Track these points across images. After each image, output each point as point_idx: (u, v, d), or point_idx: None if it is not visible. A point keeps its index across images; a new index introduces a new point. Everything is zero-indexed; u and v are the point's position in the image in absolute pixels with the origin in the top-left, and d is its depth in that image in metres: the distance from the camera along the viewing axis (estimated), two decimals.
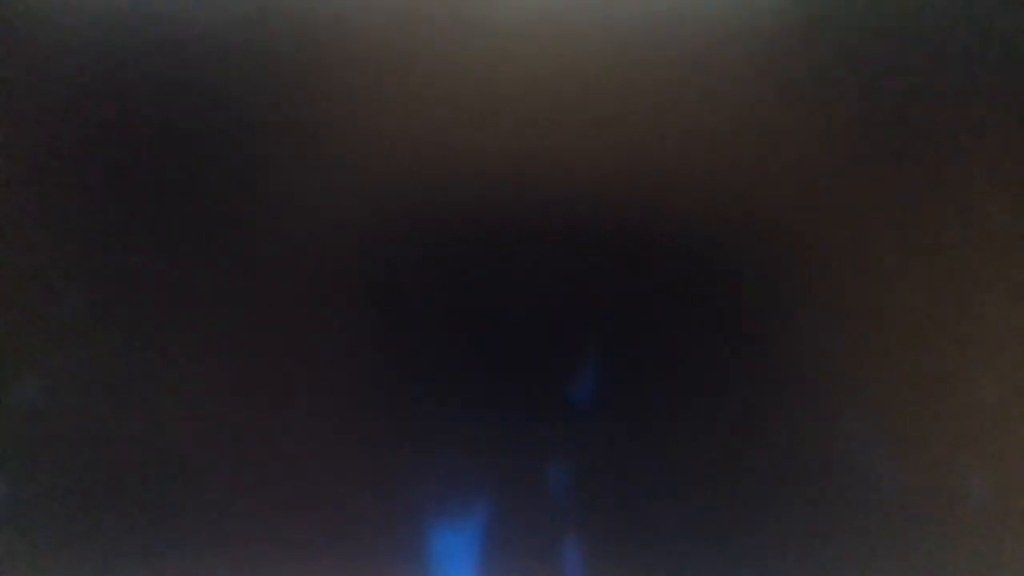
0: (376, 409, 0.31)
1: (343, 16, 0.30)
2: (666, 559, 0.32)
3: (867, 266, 0.31)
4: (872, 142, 0.31)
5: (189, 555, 0.32)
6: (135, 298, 0.31)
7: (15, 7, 0.30)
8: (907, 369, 0.31)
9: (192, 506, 0.32)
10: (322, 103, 0.31)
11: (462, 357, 0.31)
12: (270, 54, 0.30)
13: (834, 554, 0.32)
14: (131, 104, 0.31)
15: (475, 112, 0.30)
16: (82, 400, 0.32)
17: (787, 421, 0.31)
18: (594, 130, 0.31)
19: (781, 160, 0.31)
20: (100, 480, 0.32)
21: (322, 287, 0.31)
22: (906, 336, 0.31)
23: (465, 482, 0.31)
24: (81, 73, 0.31)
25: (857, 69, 0.30)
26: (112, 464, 0.32)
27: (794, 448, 0.32)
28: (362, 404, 0.31)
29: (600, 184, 0.31)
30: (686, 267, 0.31)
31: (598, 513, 0.32)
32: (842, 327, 0.31)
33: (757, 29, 0.30)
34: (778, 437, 0.31)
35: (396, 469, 0.31)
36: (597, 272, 0.31)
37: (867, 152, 0.31)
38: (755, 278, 0.31)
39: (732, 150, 0.31)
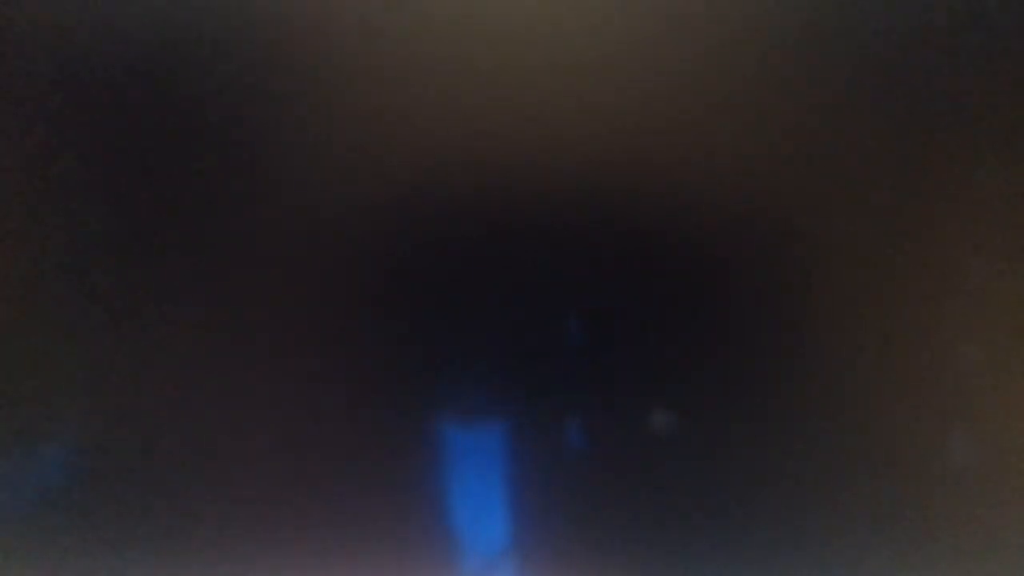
0: (394, 351, 0.32)
1: (343, 12, 0.31)
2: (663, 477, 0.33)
3: (855, 244, 0.31)
4: (866, 133, 0.31)
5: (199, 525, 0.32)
6: (134, 293, 0.32)
7: (15, 7, 0.31)
8: (894, 344, 0.32)
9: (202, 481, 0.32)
10: (320, 94, 0.31)
11: (475, 304, 0.32)
12: (270, 52, 0.31)
13: (817, 529, 0.33)
14: (131, 102, 0.31)
15: (478, 94, 0.31)
16: (81, 394, 0.32)
17: (766, 386, 0.32)
18: (596, 114, 0.31)
19: (778, 150, 0.31)
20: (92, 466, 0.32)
21: (344, 242, 0.32)
22: (894, 313, 0.32)
23: (479, 417, 0.33)
24: (80, 68, 0.31)
25: (858, 66, 0.31)
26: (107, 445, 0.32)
27: (769, 411, 0.32)
28: (380, 346, 0.32)
29: (595, 165, 0.31)
30: (682, 215, 0.32)
31: (609, 449, 0.32)
32: (830, 303, 0.32)
33: (757, 27, 0.31)
34: (758, 402, 0.32)
35: (411, 405, 0.32)
36: (604, 219, 0.31)
37: (857, 140, 0.31)
38: (739, 251, 0.32)
39: (730, 135, 0.31)
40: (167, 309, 0.32)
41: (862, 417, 0.32)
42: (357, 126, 0.31)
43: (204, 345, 0.32)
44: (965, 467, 0.32)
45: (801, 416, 0.32)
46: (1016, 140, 0.31)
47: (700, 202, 0.31)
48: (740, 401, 0.32)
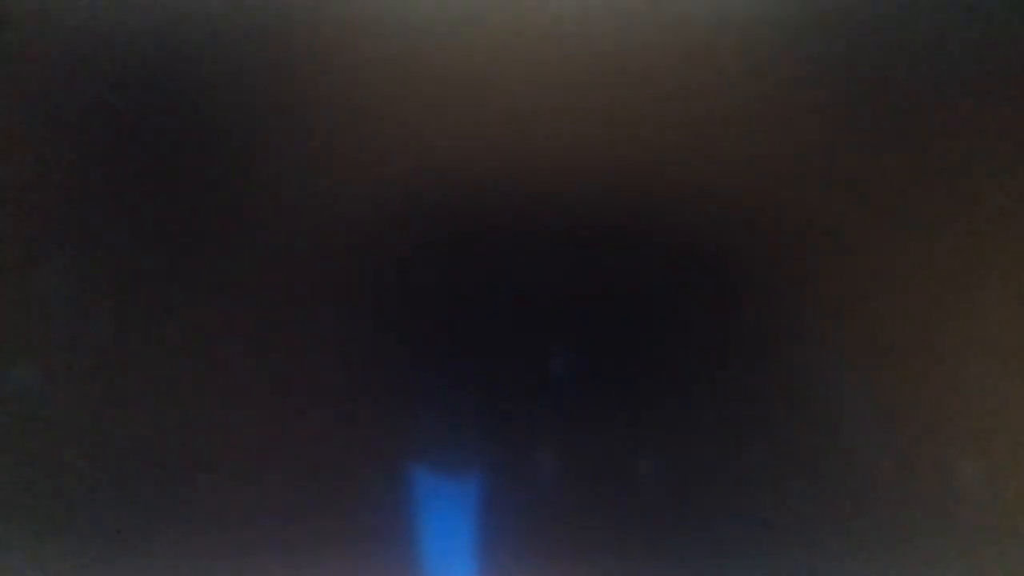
0: (369, 387, 0.32)
1: (343, 12, 0.31)
2: (641, 530, 0.32)
3: (861, 258, 0.31)
4: (865, 136, 0.31)
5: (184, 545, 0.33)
6: (132, 293, 0.32)
7: (16, 7, 0.31)
8: (901, 358, 0.32)
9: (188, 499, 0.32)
10: (321, 97, 0.31)
11: (452, 338, 0.32)
12: (271, 52, 0.31)
13: (828, 542, 0.32)
14: (131, 102, 0.31)
15: (475, 105, 0.31)
16: (79, 392, 0.32)
17: (772, 396, 0.32)
18: (590, 125, 0.31)
19: (777, 156, 0.31)
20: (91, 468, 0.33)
21: (320, 274, 0.31)
22: (901, 326, 0.31)
23: (454, 455, 0.32)
24: (81, 70, 0.31)
25: (857, 66, 0.31)
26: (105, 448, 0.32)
27: (773, 426, 0.32)
28: (355, 382, 0.32)
29: (585, 176, 0.31)
30: (664, 250, 0.31)
31: (584, 489, 0.32)
32: (836, 317, 0.31)
33: (756, 27, 0.30)
34: (760, 413, 0.32)
35: (386, 442, 0.32)
36: (581, 257, 0.31)
37: (857, 144, 0.31)
38: (745, 266, 0.31)
39: (725, 144, 0.31)
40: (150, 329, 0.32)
41: (860, 441, 0.32)
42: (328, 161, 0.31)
43: (184, 370, 0.32)
44: (968, 494, 0.32)
45: (794, 454, 0.32)
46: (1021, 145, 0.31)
47: (685, 240, 0.31)
48: (725, 444, 0.32)
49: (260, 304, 0.32)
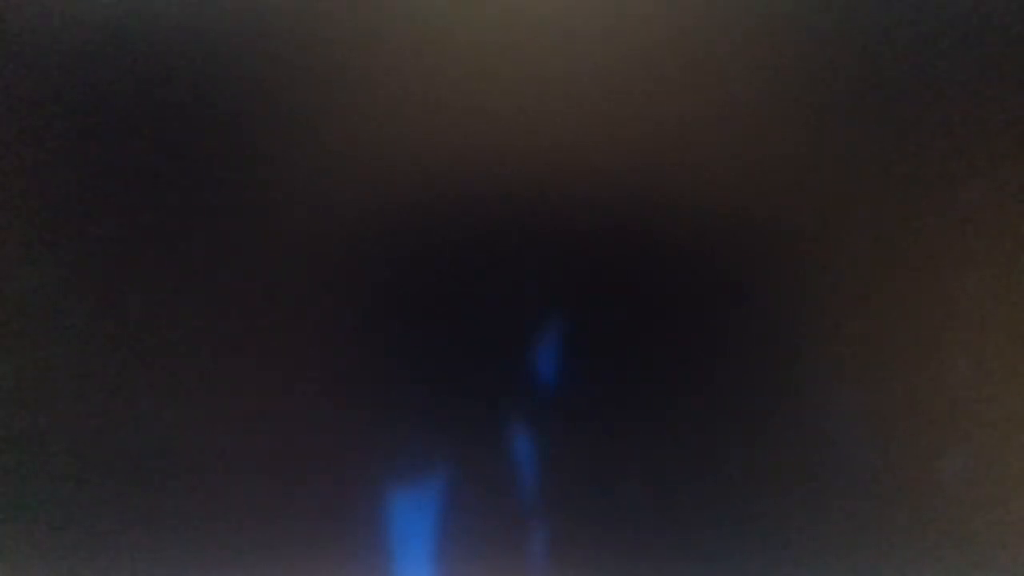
0: (347, 386, 0.32)
1: (343, 14, 0.31)
2: (628, 532, 0.32)
3: (850, 256, 0.31)
4: (862, 138, 0.31)
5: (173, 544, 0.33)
6: (127, 294, 0.32)
7: (15, 7, 0.31)
8: (889, 356, 0.32)
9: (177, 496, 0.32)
10: (318, 98, 0.31)
11: (429, 331, 0.32)
12: (271, 51, 0.31)
13: (809, 540, 0.32)
14: (130, 105, 0.31)
15: (471, 105, 0.31)
16: (76, 392, 0.32)
17: (755, 395, 0.32)
18: (588, 125, 0.31)
19: (773, 156, 0.31)
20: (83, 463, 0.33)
21: (310, 276, 0.32)
22: (888, 326, 0.32)
23: (426, 452, 0.32)
24: (79, 70, 0.31)
25: (857, 66, 0.31)
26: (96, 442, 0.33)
27: (760, 422, 0.32)
28: (333, 380, 0.32)
29: (571, 170, 0.31)
30: (659, 251, 0.31)
31: (559, 487, 0.32)
32: (824, 314, 0.32)
33: (756, 26, 0.30)
34: (747, 411, 0.32)
35: (359, 439, 0.32)
36: (561, 246, 0.31)
37: (852, 146, 0.31)
38: (733, 261, 0.31)
39: (721, 143, 0.31)
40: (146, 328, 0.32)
41: (855, 441, 0.32)
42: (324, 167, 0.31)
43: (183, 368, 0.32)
44: (959, 494, 0.32)
45: (788, 450, 0.32)
46: (1016, 151, 0.31)
47: (680, 241, 0.31)
48: (713, 445, 0.32)
49: (253, 305, 0.32)
